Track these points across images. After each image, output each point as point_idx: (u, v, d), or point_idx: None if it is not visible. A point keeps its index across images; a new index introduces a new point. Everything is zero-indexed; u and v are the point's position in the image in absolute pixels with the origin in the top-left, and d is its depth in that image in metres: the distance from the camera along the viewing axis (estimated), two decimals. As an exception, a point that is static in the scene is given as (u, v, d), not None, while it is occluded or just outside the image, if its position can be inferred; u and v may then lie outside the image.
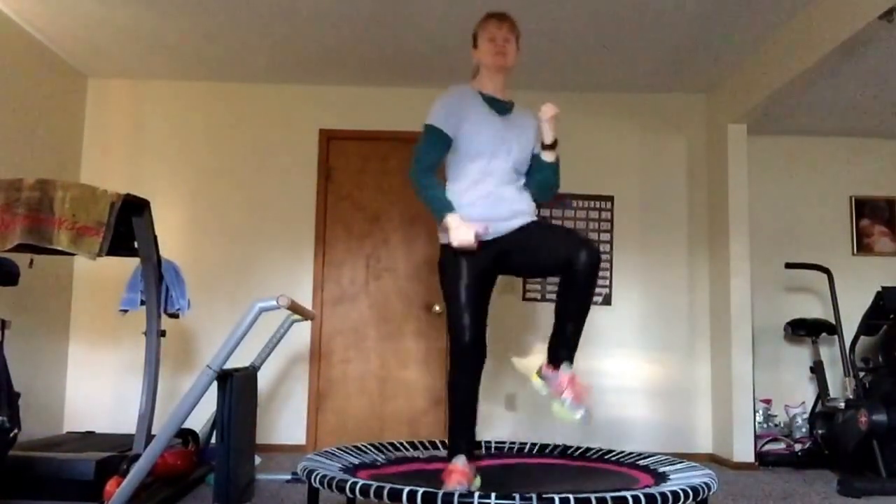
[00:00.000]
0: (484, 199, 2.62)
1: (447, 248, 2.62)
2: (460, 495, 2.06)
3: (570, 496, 2.05)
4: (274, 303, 2.63)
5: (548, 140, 2.74)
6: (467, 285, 2.57)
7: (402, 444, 3.21)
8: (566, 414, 2.49)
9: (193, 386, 2.60)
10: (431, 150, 2.63)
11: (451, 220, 2.52)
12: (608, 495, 2.08)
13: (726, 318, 4.60)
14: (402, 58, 4.53)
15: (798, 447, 4.63)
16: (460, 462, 2.53)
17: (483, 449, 3.26)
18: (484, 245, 2.57)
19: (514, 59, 2.73)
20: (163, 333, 3.26)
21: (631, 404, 4.79)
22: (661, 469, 2.77)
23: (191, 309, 3.51)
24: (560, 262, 2.54)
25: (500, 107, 2.73)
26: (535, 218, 2.75)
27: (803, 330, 4.93)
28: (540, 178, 2.78)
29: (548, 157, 2.76)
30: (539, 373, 2.64)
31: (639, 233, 4.94)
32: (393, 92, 4.99)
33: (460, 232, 2.48)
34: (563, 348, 2.57)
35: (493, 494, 2.05)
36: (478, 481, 2.58)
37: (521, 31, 2.77)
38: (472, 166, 2.64)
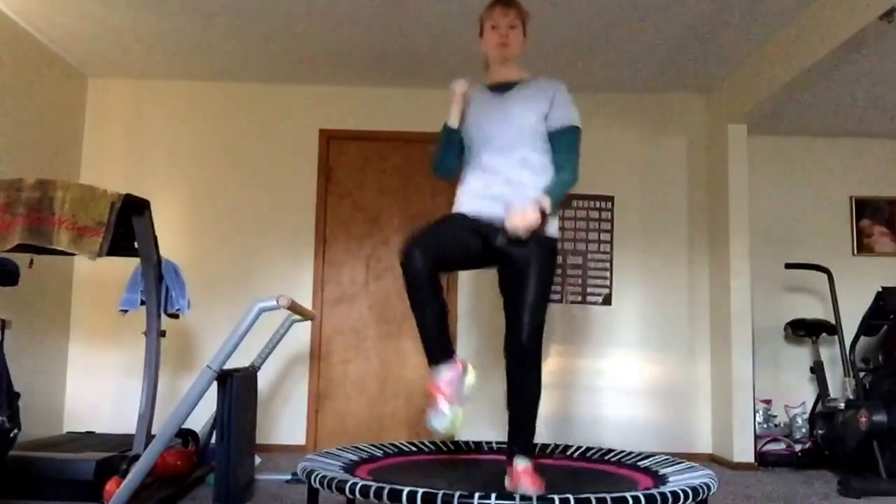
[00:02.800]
0: (480, 175, 2.57)
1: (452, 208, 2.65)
2: (460, 495, 2.06)
3: (570, 496, 2.05)
4: (274, 303, 2.63)
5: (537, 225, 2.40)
6: (448, 220, 2.52)
7: (402, 444, 3.21)
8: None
9: (193, 386, 2.60)
10: (440, 145, 2.68)
11: (450, 119, 2.58)
12: (608, 495, 2.08)
13: (726, 318, 4.60)
14: (402, 58, 4.52)
15: (798, 447, 4.63)
16: (437, 376, 2.35)
17: (483, 449, 3.26)
18: (482, 220, 2.51)
19: (520, 47, 2.64)
20: (163, 333, 3.26)
21: (631, 404, 4.79)
22: (661, 469, 2.77)
23: (191, 309, 3.51)
24: (505, 316, 2.47)
25: (504, 87, 2.63)
26: (553, 235, 2.53)
27: (803, 330, 4.93)
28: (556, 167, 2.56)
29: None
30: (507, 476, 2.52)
31: (639, 233, 4.94)
32: (393, 92, 4.99)
33: (453, 87, 2.53)
34: (511, 441, 2.48)
35: (493, 495, 2.05)
36: (472, 376, 2.44)
37: (528, 16, 2.67)
38: (480, 152, 2.59)
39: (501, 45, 2.59)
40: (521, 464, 2.42)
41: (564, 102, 2.56)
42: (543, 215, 2.38)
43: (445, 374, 2.35)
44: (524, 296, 2.40)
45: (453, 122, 2.59)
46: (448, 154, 2.65)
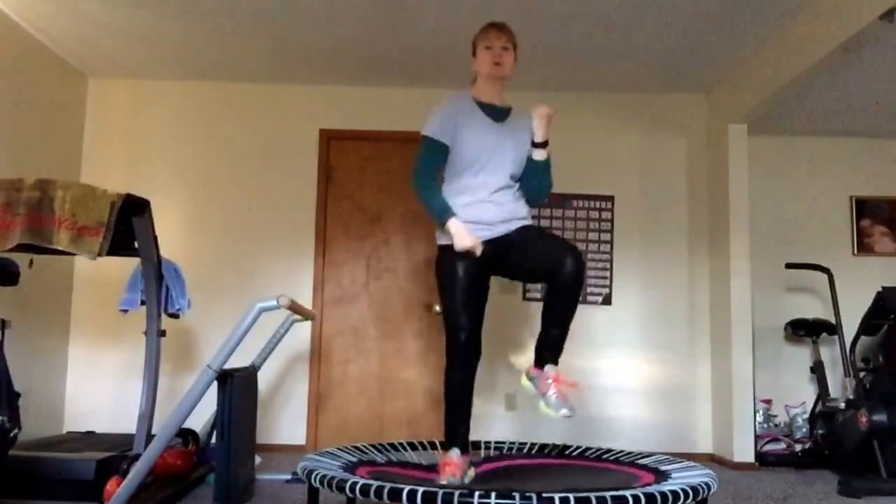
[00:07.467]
0: (479, 204, 2.70)
1: (444, 249, 2.71)
2: (460, 495, 2.06)
3: (570, 496, 2.05)
4: (274, 303, 2.63)
5: (539, 138, 2.76)
6: (463, 286, 2.66)
7: (402, 444, 3.21)
8: (550, 411, 2.58)
9: (193, 386, 2.60)
10: (429, 160, 2.73)
11: (452, 225, 2.61)
12: (608, 494, 2.08)
13: (726, 318, 4.60)
14: (402, 58, 4.53)
15: (798, 447, 4.63)
16: (454, 455, 2.66)
17: (482, 449, 3.27)
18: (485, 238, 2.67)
19: (512, 69, 2.79)
20: (163, 333, 3.26)
21: (631, 404, 4.79)
22: (661, 468, 2.77)
23: (191, 309, 3.51)
24: (546, 268, 2.62)
25: (497, 113, 2.78)
26: (529, 222, 2.81)
27: (803, 330, 4.93)
28: (534, 181, 2.83)
29: (538, 155, 2.78)
30: (528, 375, 2.76)
31: (639, 233, 4.94)
32: (393, 92, 4.99)
33: (462, 238, 2.57)
34: (547, 350, 2.69)
35: (493, 494, 2.05)
36: (471, 472, 2.72)
37: (518, 42, 2.83)
38: (467, 172, 2.72)
39: (496, 64, 2.75)
40: (554, 370, 2.65)
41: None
42: (545, 143, 2.76)
43: (458, 458, 2.66)
44: (550, 244, 2.67)
45: (456, 216, 2.66)
46: (434, 178, 2.78)
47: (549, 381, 2.61)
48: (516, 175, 2.78)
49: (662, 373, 4.83)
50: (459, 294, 2.65)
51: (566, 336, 2.69)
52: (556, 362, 2.67)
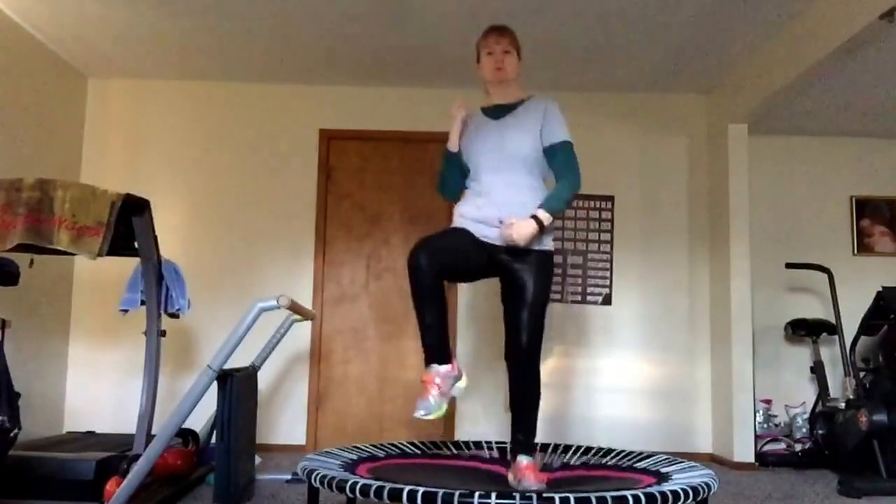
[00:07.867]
0: (486, 207, 2.64)
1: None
2: (460, 495, 2.06)
3: (570, 496, 2.05)
4: (274, 303, 2.63)
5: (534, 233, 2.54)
6: (453, 232, 2.65)
7: (402, 444, 3.21)
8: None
9: (193, 386, 2.60)
10: (442, 168, 2.82)
11: (449, 144, 2.71)
12: (608, 494, 2.08)
13: (726, 318, 4.60)
14: (402, 58, 4.53)
15: (798, 447, 4.63)
16: (432, 371, 2.48)
17: (484, 450, 3.26)
18: (485, 240, 2.65)
19: (515, 72, 2.75)
20: (163, 333, 3.26)
21: (631, 404, 4.79)
22: (662, 469, 2.77)
23: (191, 309, 3.51)
24: (506, 327, 2.62)
25: (500, 111, 2.75)
26: (545, 246, 2.65)
27: (804, 330, 4.93)
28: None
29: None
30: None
31: (639, 233, 4.94)
32: (393, 92, 4.99)
33: (452, 114, 2.70)
34: (515, 442, 2.60)
35: (493, 494, 2.05)
36: (463, 382, 2.59)
37: (520, 42, 2.80)
38: (475, 179, 2.72)
39: (497, 69, 2.72)
40: (525, 460, 2.53)
41: (555, 119, 2.69)
42: (542, 227, 2.54)
43: (441, 370, 2.50)
44: (523, 305, 2.56)
45: (452, 147, 2.73)
46: (450, 176, 2.80)
47: (521, 471, 2.51)
48: (530, 166, 2.64)
49: (662, 373, 4.83)
50: (444, 238, 2.58)
51: (533, 421, 2.59)
52: (528, 451, 2.56)
